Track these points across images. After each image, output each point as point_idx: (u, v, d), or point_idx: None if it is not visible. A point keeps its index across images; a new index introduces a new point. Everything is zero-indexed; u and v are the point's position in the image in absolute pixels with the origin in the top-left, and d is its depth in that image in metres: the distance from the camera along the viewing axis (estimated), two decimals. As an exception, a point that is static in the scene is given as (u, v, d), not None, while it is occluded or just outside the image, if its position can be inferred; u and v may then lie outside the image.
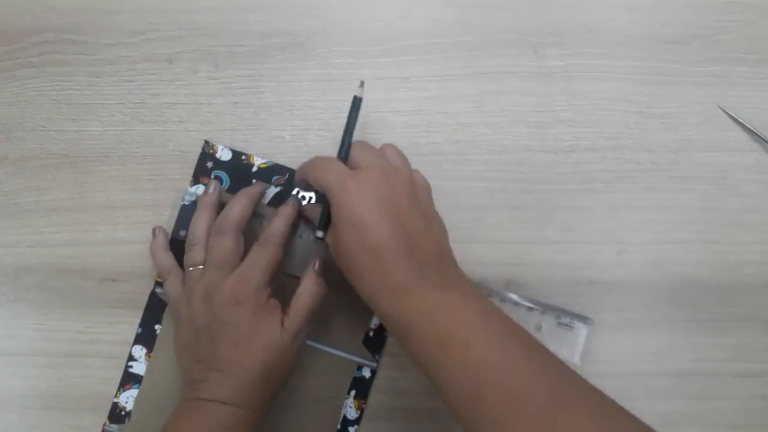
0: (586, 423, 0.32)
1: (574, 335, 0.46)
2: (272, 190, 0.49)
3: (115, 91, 0.50)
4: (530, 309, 0.47)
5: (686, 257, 0.48)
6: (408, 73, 0.50)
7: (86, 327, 0.48)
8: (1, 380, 0.48)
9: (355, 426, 0.47)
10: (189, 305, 0.42)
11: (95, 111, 0.50)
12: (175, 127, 0.50)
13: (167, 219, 0.49)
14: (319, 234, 0.41)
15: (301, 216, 0.46)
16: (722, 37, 0.50)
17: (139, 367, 0.47)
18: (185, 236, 0.46)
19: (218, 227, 0.43)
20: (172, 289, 0.44)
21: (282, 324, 0.41)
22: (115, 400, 0.47)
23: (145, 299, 0.48)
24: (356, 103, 0.43)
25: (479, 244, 0.48)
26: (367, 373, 0.47)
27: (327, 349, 0.47)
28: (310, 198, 0.48)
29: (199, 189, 0.48)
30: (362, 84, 0.44)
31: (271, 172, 0.49)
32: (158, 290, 0.48)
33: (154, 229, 0.47)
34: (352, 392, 0.47)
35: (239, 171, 0.49)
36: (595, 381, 0.35)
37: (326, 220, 0.41)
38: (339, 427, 0.47)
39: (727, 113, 0.49)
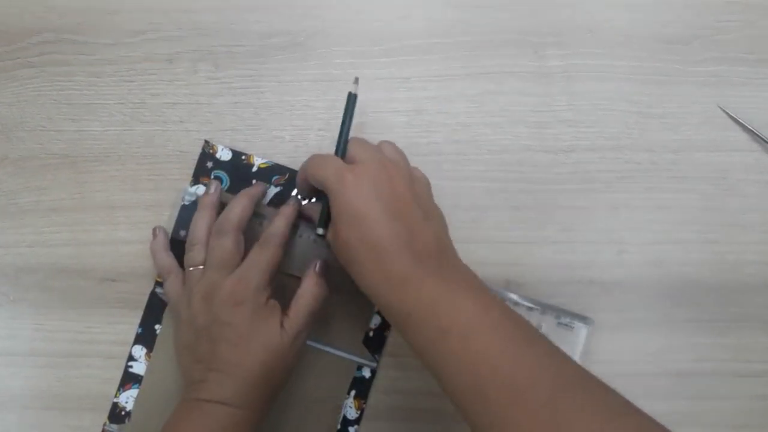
0: (590, 416, 0.32)
1: (574, 335, 0.46)
2: (272, 190, 0.49)
3: (115, 91, 0.50)
4: (530, 309, 0.47)
5: (686, 257, 0.48)
6: (408, 73, 0.50)
7: (86, 327, 0.48)
8: (1, 380, 0.48)
9: (355, 426, 0.47)
10: (189, 305, 0.42)
11: (95, 111, 0.50)
12: (175, 127, 0.50)
13: (167, 219, 0.49)
14: (320, 231, 0.41)
15: (302, 215, 0.46)
16: (722, 37, 0.50)
17: (139, 367, 0.47)
18: (185, 236, 0.46)
19: (218, 227, 0.43)
20: (172, 289, 0.44)
21: (282, 325, 0.41)
22: (115, 400, 0.47)
23: (145, 299, 0.48)
24: (351, 99, 0.44)
25: (479, 244, 0.48)
26: (367, 373, 0.47)
27: (327, 349, 0.47)
28: (313, 203, 0.48)
29: (199, 189, 0.48)
30: (356, 80, 0.44)
31: (271, 172, 0.49)
32: (158, 290, 0.48)
33: (154, 229, 0.47)
34: (352, 392, 0.47)
35: (239, 171, 0.49)
36: (595, 381, 0.35)
37: (326, 217, 0.41)
38: (339, 427, 0.47)
39: (727, 113, 0.49)
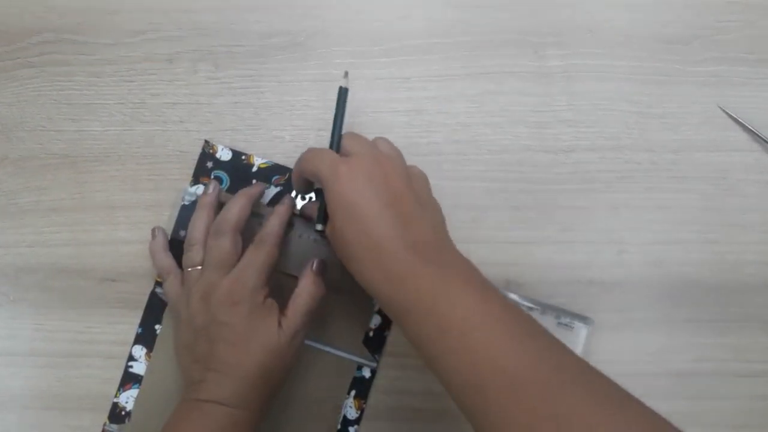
0: (591, 409, 0.31)
1: (574, 335, 0.46)
2: (272, 190, 0.49)
3: (115, 91, 0.50)
4: (530, 309, 0.47)
5: (686, 257, 0.48)
6: (408, 73, 0.50)
7: (86, 327, 0.48)
8: (1, 380, 0.48)
9: (355, 426, 0.47)
10: (188, 305, 0.42)
11: (95, 111, 0.50)
12: (175, 127, 0.50)
13: (167, 219, 0.49)
14: (319, 227, 0.41)
15: (302, 214, 0.46)
16: (722, 37, 0.50)
17: (139, 367, 0.47)
18: (185, 236, 0.46)
19: (216, 228, 0.43)
20: (171, 289, 0.44)
21: (279, 324, 0.41)
22: (115, 400, 0.47)
23: (145, 299, 0.48)
24: (342, 93, 0.43)
25: (479, 244, 0.48)
26: (367, 373, 0.47)
27: (327, 349, 0.47)
28: (310, 198, 0.48)
29: (199, 189, 0.48)
30: (346, 74, 0.44)
31: (271, 172, 0.49)
32: (158, 290, 0.48)
33: (153, 230, 0.47)
34: (352, 392, 0.47)
35: (239, 171, 0.49)
36: (595, 381, 0.35)
37: (324, 213, 0.41)
38: (339, 427, 0.47)
39: (727, 113, 0.49)
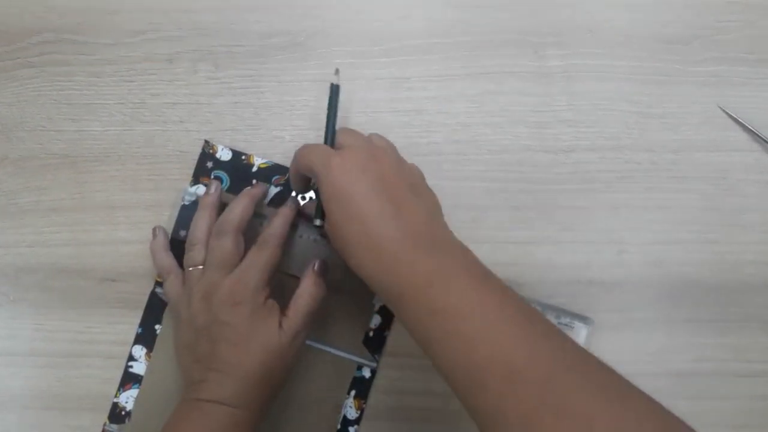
0: (590, 397, 0.31)
1: (574, 335, 0.46)
2: (272, 190, 0.49)
3: (115, 91, 0.50)
4: (530, 309, 0.47)
5: (686, 257, 0.48)
6: (408, 73, 0.50)
7: (86, 327, 0.48)
8: (1, 380, 0.48)
9: (355, 426, 0.47)
10: (189, 305, 0.42)
11: (95, 111, 0.50)
12: (175, 127, 0.50)
13: (167, 219, 0.49)
14: (317, 222, 0.41)
15: (301, 214, 0.46)
16: (722, 37, 0.50)
17: (139, 367, 0.47)
18: (185, 236, 0.46)
19: (219, 228, 0.43)
20: (172, 289, 0.44)
21: (280, 325, 0.41)
22: (115, 400, 0.47)
23: (145, 299, 0.48)
24: (334, 89, 0.44)
25: (479, 244, 0.48)
26: (367, 373, 0.47)
27: (327, 349, 0.47)
28: (310, 198, 0.48)
29: (199, 189, 0.48)
30: (337, 71, 0.44)
31: (271, 172, 0.49)
32: (158, 290, 0.48)
33: (154, 229, 0.47)
34: (352, 392, 0.47)
35: (239, 171, 0.49)
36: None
37: (322, 208, 0.41)
38: (339, 427, 0.47)
39: (727, 113, 0.49)
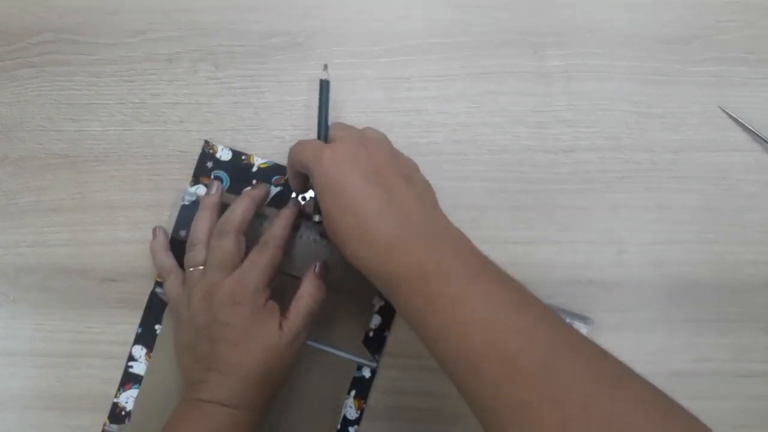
0: (586, 383, 0.31)
1: (574, 335, 0.46)
2: (272, 190, 0.49)
3: (115, 91, 0.50)
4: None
5: (686, 257, 0.48)
6: (408, 73, 0.50)
7: (86, 327, 0.48)
8: (1, 380, 0.48)
9: (355, 426, 0.47)
10: (189, 306, 0.42)
11: (95, 111, 0.50)
12: (175, 127, 0.50)
13: (167, 219, 0.49)
14: (316, 218, 0.41)
15: (302, 213, 0.46)
16: (722, 37, 0.50)
17: (139, 367, 0.47)
18: (185, 236, 0.46)
19: (220, 228, 0.43)
20: (172, 289, 0.44)
21: (281, 326, 0.41)
22: (115, 400, 0.47)
23: (145, 299, 0.48)
24: (324, 86, 0.44)
25: (479, 244, 0.48)
26: (367, 373, 0.47)
27: (327, 349, 0.47)
28: (311, 198, 0.48)
29: (199, 189, 0.48)
30: (326, 67, 0.45)
31: (271, 172, 0.49)
32: (158, 290, 0.48)
33: (154, 229, 0.47)
34: (352, 392, 0.47)
35: (239, 171, 0.49)
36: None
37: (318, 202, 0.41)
38: (339, 427, 0.47)
39: (727, 113, 0.49)
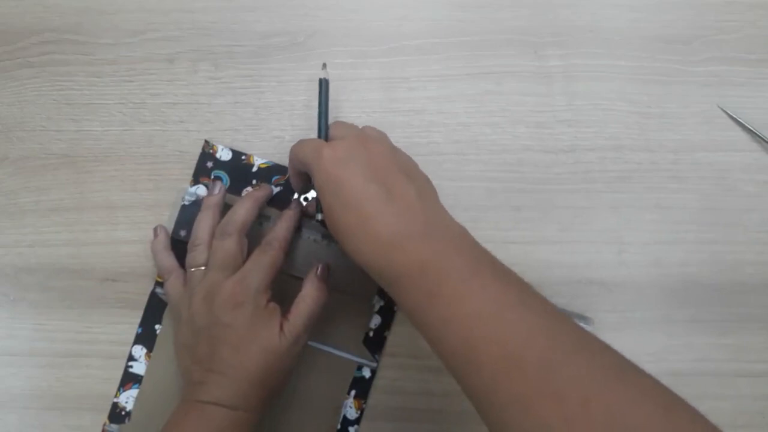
0: (587, 379, 0.30)
1: (574, 335, 0.46)
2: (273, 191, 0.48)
3: (115, 91, 0.50)
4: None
5: (686, 257, 0.48)
6: (408, 73, 0.50)
7: (86, 327, 0.48)
8: (1, 380, 0.48)
9: (355, 426, 0.47)
10: (190, 306, 0.42)
11: (95, 111, 0.50)
12: (175, 127, 0.50)
13: (167, 219, 0.49)
14: (319, 216, 0.41)
15: (305, 213, 0.46)
16: (722, 37, 0.50)
17: (139, 367, 0.47)
18: (185, 236, 0.46)
19: (222, 229, 0.43)
20: (173, 289, 0.44)
21: (281, 328, 0.41)
22: (115, 400, 0.47)
23: (145, 299, 0.48)
24: (323, 85, 0.44)
25: (479, 244, 0.48)
26: (367, 373, 0.47)
27: (327, 349, 0.47)
28: (313, 198, 0.48)
29: (199, 189, 0.48)
30: (325, 66, 0.45)
31: (271, 172, 0.49)
32: (158, 290, 0.48)
33: (155, 229, 0.47)
34: (352, 392, 0.47)
35: (239, 171, 0.49)
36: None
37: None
38: (339, 427, 0.47)
39: (727, 113, 0.49)
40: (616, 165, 0.49)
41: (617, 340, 0.47)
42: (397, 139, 0.42)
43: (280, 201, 0.48)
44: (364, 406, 0.47)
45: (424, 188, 0.39)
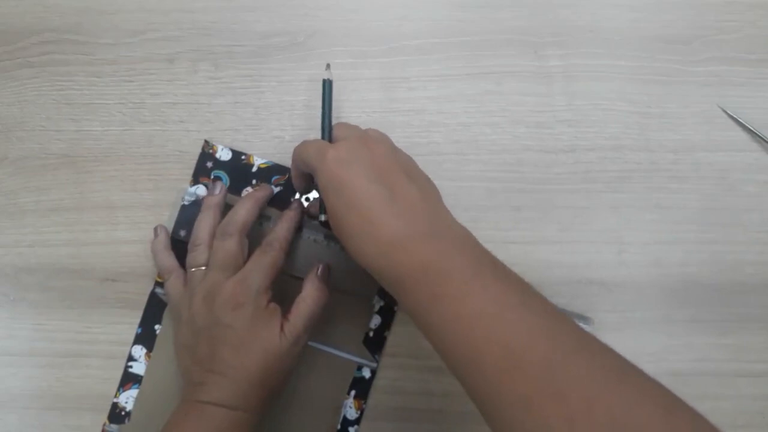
0: (590, 380, 0.31)
1: (574, 335, 0.46)
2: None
3: (115, 91, 0.50)
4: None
5: (686, 257, 0.48)
6: (408, 73, 0.50)
7: (86, 327, 0.48)
8: (1, 380, 0.48)
9: (355, 426, 0.47)
10: (190, 306, 0.42)
11: (95, 111, 0.50)
12: (175, 127, 0.50)
13: (167, 219, 0.49)
14: (322, 217, 0.41)
15: (306, 213, 0.46)
16: (722, 37, 0.50)
17: (139, 367, 0.47)
18: (185, 236, 0.46)
19: (223, 229, 0.43)
20: (173, 289, 0.44)
21: (282, 329, 0.41)
22: (115, 400, 0.47)
23: (145, 299, 0.48)
24: (326, 85, 0.44)
25: (479, 244, 0.48)
26: (367, 373, 0.47)
27: (327, 349, 0.47)
28: (315, 198, 0.48)
29: (199, 189, 0.48)
30: (328, 66, 0.45)
31: (271, 172, 0.49)
32: (158, 290, 0.48)
33: (155, 228, 0.47)
34: (352, 392, 0.47)
35: (239, 171, 0.49)
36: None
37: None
38: (339, 427, 0.47)
39: (727, 113, 0.49)
40: (616, 165, 0.49)
41: (617, 340, 0.47)
42: (398, 139, 0.42)
43: (281, 201, 0.48)
44: (364, 406, 0.47)
45: (427, 189, 0.39)
